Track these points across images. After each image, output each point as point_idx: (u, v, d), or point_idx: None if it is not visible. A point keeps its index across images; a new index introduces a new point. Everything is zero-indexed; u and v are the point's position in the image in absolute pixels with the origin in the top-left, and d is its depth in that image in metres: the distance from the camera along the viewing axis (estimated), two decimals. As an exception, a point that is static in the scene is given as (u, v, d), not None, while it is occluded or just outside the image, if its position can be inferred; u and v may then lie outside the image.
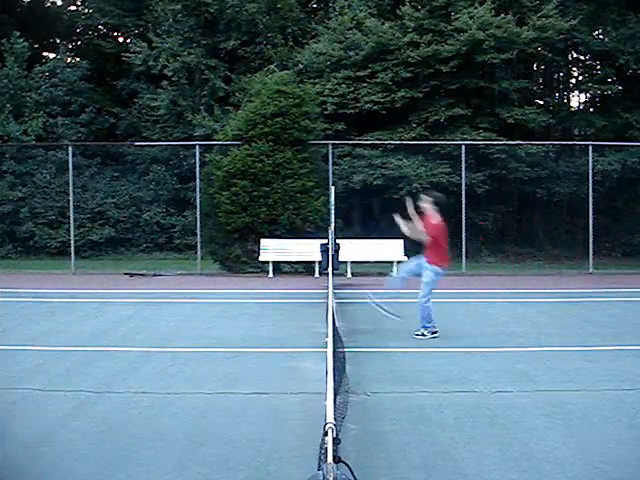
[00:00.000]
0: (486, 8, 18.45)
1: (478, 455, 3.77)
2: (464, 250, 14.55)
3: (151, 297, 10.66)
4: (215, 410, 4.60)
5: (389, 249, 13.82)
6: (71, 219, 15.41)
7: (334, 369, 3.80)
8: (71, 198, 15.40)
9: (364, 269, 14.22)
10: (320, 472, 2.38)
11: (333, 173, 15.15)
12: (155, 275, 14.08)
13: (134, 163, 21.97)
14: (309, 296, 10.49)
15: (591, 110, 23.21)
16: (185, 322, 8.11)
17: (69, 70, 22.74)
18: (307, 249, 13.45)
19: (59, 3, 28.09)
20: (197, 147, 15.38)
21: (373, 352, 6.44)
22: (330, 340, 4.52)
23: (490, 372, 5.61)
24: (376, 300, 7.72)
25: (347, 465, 2.54)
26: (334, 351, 4.30)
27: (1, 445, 3.96)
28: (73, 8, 27.81)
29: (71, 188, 15.37)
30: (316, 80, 19.42)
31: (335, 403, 3.21)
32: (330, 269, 10.47)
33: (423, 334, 7.14)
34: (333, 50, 19.54)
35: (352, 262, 13.76)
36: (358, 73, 19.48)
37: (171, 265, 16.72)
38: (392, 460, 3.70)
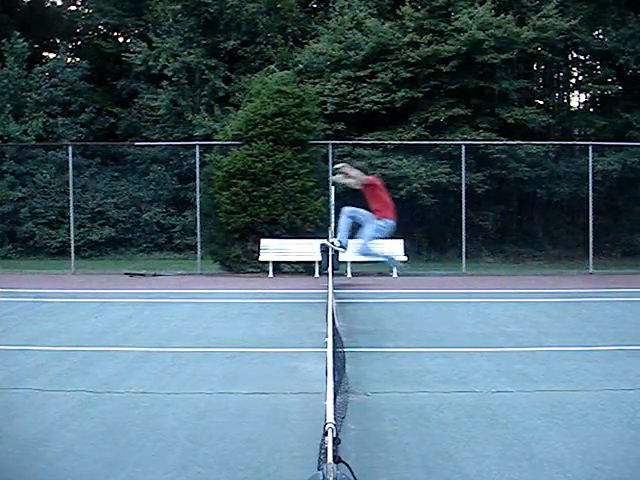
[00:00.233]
0: (486, 8, 18.46)
1: (478, 455, 3.77)
2: (464, 250, 14.55)
3: (151, 297, 10.66)
4: (215, 410, 4.60)
5: (389, 249, 13.81)
6: (71, 219, 15.41)
7: (334, 369, 3.80)
8: (71, 198, 15.40)
9: (364, 269, 14.22)
10: (320, 472, 2.38)
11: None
12: (155, 275, 14.08)
13: (134, 163, 21.99)
14: (309, 296, 10.49)
15: (591, 110, 23.23)
16: (185, 322, 8.11)
17: (69, 70, 22.76)
18: (307, 249, 13.45)
19: (59, 3, 28.14)
20: (197, 147, 15.39)
21: (373, 352, 6.44)
22: (330, 340, 4.52)
23: (490, 372, 5.60)
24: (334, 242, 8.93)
25: (347, 465, 2.54)
26: (334, 351, 4.30)
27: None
28: (73, 8, 27.84)
29: (71, 188, 15.37)
30: (316, 80, 19.43)
31: (335, 403, 3.21)
32: (330, 269, 10.47)
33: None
34: (333, 50, 19.54)
35: (352, 262, 13.77)
36: (358, 73, 19.48)
37: (171, 265, 16.72)
38: (392, 460, 3.70)
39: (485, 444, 3.93)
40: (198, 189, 15.04)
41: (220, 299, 10.48)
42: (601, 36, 21.65)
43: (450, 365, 5.85)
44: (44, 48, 26.71)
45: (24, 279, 13.47)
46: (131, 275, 14.00)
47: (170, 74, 21.13)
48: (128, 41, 24.62)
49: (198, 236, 15.04)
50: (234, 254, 14.22)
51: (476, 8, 18.71)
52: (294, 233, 13.89)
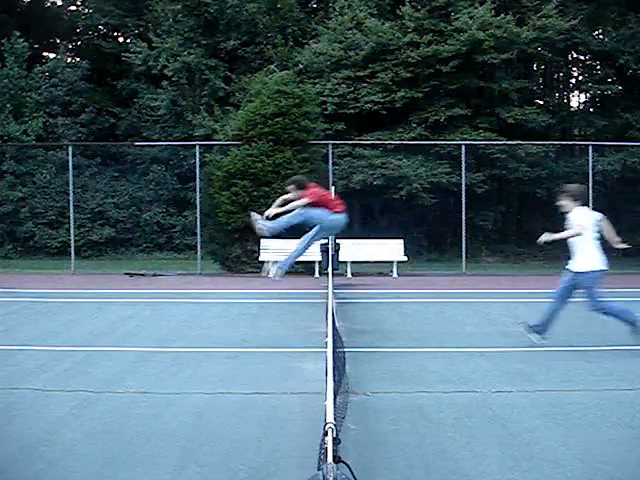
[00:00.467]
0: (486, 8, 18.47)
1: (478, 455, 3.77)
2: (464, 250, 14.55)
3: (151, 297, 10.65)
4: (215, 410, 4.60)
5: (389, 249, 13.82)
6: (71, 219, 15.40)
7: (334, 369, 3.80)
8: (71, 198, 15.40)
9: (364, 269, 14.22)
10: (320, 472, 2.38)
11: (333, 173, 15.15)
12: (155, 275, 14.08)
13: (134, 163, 22.00)
14: (309, 296, 10.48)
15: (591, 110, 23.24)
16: (185, 322, 8.11)
17: (69, 70, 22.78)
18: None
19: (59, 3, 28.14)
20: (197, 147, 15.38)
21: (373, 352, 6.44)
22: (330, 340, 4.52)
23: (490, 372, 5.60)
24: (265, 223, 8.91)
25: (347, 465, 2.54)
26: (334, 351, 4.30)
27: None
28: (73, 8, 27.86)
29: (71, 188, 15.37)
30: (316, 80, 19.44)
31: (335, 403, 3.21)
32: (330, 269, 10.48)
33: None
34: (333, 50, 19.55)
35: (352, 262, 13.76)
36: (358, 73, 19.49)
37: (171, 265, 16.72)
38: (392, 460, 3.70)
39: (485, 444, 3.93)
40: (198, 189, 15.04)
41: (220, 299, 10.48)
42: (601, 36, 21.67)
43: (450, 365, 5.85)
44: (44, 48, 26.74)
45: (24, 279, 13.45)
46: (131, 275, 14.00)
47: (170, 74, 21.13)
48: (128, 41, 24.61)
49: (198, 236, 15.04)
50: (234, 254, 14.21)
51: (476, 8, 18.71)
52: (294, 233, 13.86)
